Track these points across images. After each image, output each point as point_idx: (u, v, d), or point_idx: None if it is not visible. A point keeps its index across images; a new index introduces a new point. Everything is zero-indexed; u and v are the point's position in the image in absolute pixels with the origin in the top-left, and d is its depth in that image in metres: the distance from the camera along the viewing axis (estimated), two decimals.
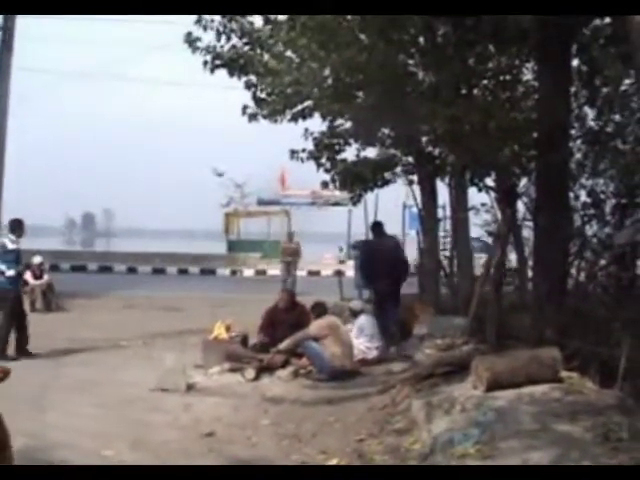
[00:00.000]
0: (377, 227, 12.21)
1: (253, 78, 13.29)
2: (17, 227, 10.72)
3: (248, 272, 31.23)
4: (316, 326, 9.80)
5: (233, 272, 31.75)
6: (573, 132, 10.80)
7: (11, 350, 10.43)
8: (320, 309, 10.19)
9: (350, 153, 13.81)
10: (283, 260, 20.24)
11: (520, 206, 11.56)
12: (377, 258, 11.41)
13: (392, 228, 39.55)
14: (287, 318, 10.54)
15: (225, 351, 9.80)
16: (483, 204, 12.42)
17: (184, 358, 9.73)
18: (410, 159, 14.01)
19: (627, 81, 10.84)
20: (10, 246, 10.51)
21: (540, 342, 7.57)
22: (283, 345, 9.74)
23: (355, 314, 10.92)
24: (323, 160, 13.53)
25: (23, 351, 10.47)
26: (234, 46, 13.16)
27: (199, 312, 15.36)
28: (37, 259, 16.70)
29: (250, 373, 9.20)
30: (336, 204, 37.04)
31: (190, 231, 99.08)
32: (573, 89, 10.38)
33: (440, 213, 15.67)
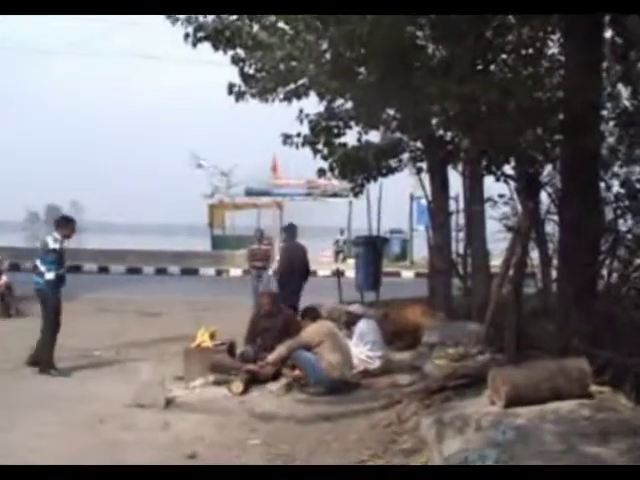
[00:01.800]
0: (292, 229, 14.05)
1: (241, 52, 13.20)
2: (63, 225, 10.71)
3: (235, 272, 31.14)
4: (309, 332, 9.78)
5: (218, 272, 31.71)
6: (605, 113, 10.75)
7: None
8: (313, 314, 10.18)
9: (351, 137, 13.79)
10: (251, 267, 17.75)
11: (544, 197, 11.51)
12: (293, 262, 13.29)
13: (398, 222, 39.51)
14: (272, 325, 10.54)
15: (209, 361, 9.78)
16: (501, 195, 12.31)
17: (163, 369, 9.72)
18: (418, 144, 13.97)
19: None
20: (52, 245, 10.48)
21: (566, 352, 7.56)
22: (272, 357, 9.71)
23: (354, 319, 10.90)
24: (320, 145, 13.48)
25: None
26: (219, 16, 13.09)
27: (180, 317, 15.35)
28: None
29: (237, 386, 9.18)
30: (335, 195, 37.06)
31: (169, 225, 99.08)
32: (605, 64, 10.33)
33: (452, 206, 15.64)
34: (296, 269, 13.35)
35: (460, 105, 9.30)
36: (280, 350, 9.71)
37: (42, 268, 10.43)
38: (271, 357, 9.70)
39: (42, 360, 10.33)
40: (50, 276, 10.40)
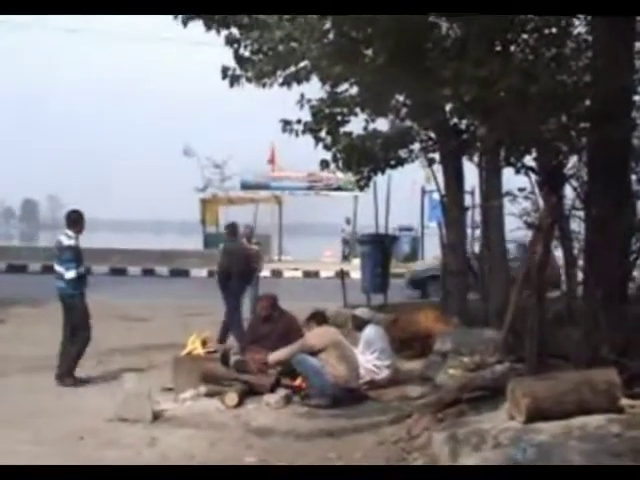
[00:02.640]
0: (234, 229, 14.78)
1: (236, 32, 13.18)
2: (75, 220, 10.83)
3: (69, 274, 31.12)
4: (314, 336, 9.79)
5: (211, 273, 31.66)
6: (637, 99, 10.71)
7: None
8: (319, 318, 10.18)
9: (356, 125, 13.76)
10: None
11: (568, 191, 11.48)
12: (232, 263, 13.98)
13: (408, 219, 39.53)
14: (272, 331, 10.56)
15: (201, 371, 9.77)
16: (521, 189, 12.30)
17: (149, 380, 9.70)
18: (430, 133, 13.93)
19: None
20: (67, 242, 10.61)
21: (594, 361, 7.54)
22: (272, 357, 9.77)
23: (361, 325, 10.88)
24: (322, 134, 13.46)
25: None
26: None
27: (168, 322, 15.35)
28: None
29: (232, 398, 9.16)
30: (339, 189, 37.04)
31: (158, 222, 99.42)
32: (638, 45, 10.28)
33: (467, 200, 15.61)
34: (235, 271, 13.84)
35: (476, 90, 9.28)
36: (282, 352, 9.73)
37: (60, 269, 10.57)
38: (271, 357, 9.75)
39: (64, 367, 10.46)
40: (71, 274, 10.53)
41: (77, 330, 10.66)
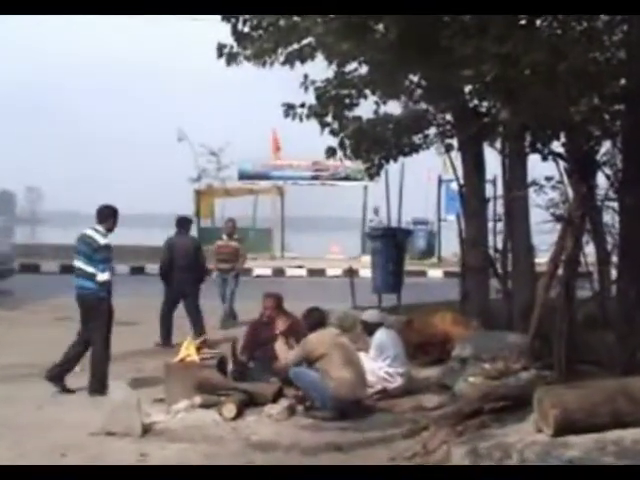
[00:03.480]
0: (185, 223, 15.38)
1: None
2: (107, 216, 10.94)
3: (101, 276, 31.14)
4: (310, 342, 9.74)
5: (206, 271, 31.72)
6: None
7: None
8: (315, 318, 10.10)
9: (366, 109, 13.73)
10: (217, 267, 17.25)
11: (601, 180, 11.44)
12: (175, 257, 14.64)
13: (423, 211, 39.44)
14: (275, 335, 10.53)
15: (195, 379, 9.75)
16: (548, 178, 12.30)
17: (138, 389, 9.66)
18: (448, 117, 13.89)
19: None
20: (102, 241, 10.69)
21: (630, 368, 7.52)
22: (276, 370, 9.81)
23: (371, 329, 10.85)
24: (329, 118, 13.43)
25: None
26: None
27: (158, 326, 15.27)
28: None
29: (230, 409, 9.15)
30: (346, 179, 37.04)
31: (147, 216, 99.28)
32: None
33: (488, 190, 15.56)
34: (177, 265, 14.58)
35: (499, 68, 9.24)
36: (282, 365, 9.75)
37: (91, 269, 10.61)
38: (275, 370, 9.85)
39: (97, 377, 10.48)
40: (105, 277, 10.59)
41: (95, 335, 10.68)
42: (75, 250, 10.96)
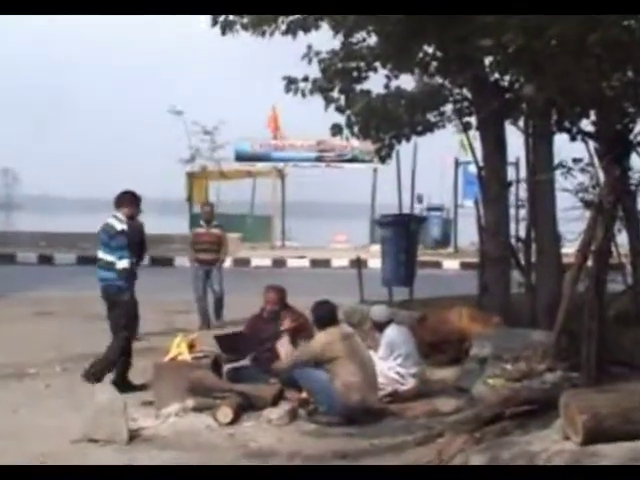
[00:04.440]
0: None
1: None
2: (127, 202, 11.36)
3: (120, 264, 31.20)
4: (320, 342, 9.73)
5: None
6: None
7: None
8: (325, 312, 10.08)
9: (375, 83, 13.69)
10: (197, 258, 16.44)
11: (635, 162, 11.43)
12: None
13: (438, 196, 39.38)
14: (277, 332, 10.51)
15: (187, 380, 9.75)
16: (577, 160, 12.29)
17: (125, 391, 9.64)
18: (466, 92, 13.86)
19: None
20: (119, 227, 11.04)
21: None
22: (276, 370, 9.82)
23: (381, 326, 10.84)
24: (335, 93, 13.43)
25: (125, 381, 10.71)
26: None
27: (148, 321, 15.29)
28: None
29: (225, 413, 9.16)
30: (354, 160, 37.04)
31: None
32: None
33: (510, 173, 15.54)
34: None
35: (523, 38, 9.21)
36: (285, 365, 9.77)
37: (110, 257, 10.99)
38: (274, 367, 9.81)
39: (98, 367, 10.75)
40: (124, 264, 10.95)
41: (117, 329, 10.96)
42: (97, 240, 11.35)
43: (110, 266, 10.93)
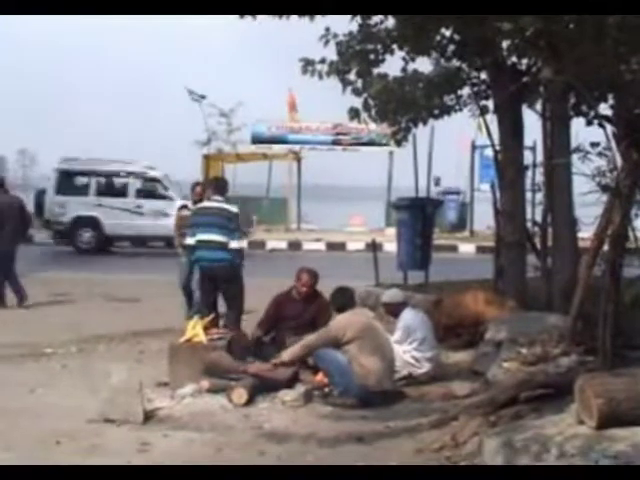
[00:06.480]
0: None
1: None
2: (224, 187, 12.54)
3: (237, 244, 31.28)
4: (339, 324, 9.75)
5: None
6: None
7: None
8: (344, 298, 10.11)
9: (392, 66, 13.64)
10: (180, 243, 14.09)
11: None
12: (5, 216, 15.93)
13: (455, 180, 39.34)
14: (300, 313, 10.60)
15: (203, 361, 9.78)
16: (594, 144, 12.22)
17: (140, 372, 9.72)
18: (483, 75, 13.80)
19: None
20: (233, 210, 11.89)
21: None
22: (288, 354, 9.76)
23: (393, 309, 10.84)
24: (352, 76, 13.38)
25: None
26: None
27: (163, 303, 15.36)
28: None
29: (240, 395, 9.18)
30: (371, 144, 36.99)
31: None
32: None
33: (527, 157, 15.49)
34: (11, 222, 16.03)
35: (541, 21, 9.15)
36: (299, 347, 9.73)
37: (225, 239, 11.66)
38: (286, 354, 9.72)
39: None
40: (242, 244, 12.14)
41: (234, 302, 11.86)
42: (196, 224, 11.92)
43: (225, 246, 11.60)
